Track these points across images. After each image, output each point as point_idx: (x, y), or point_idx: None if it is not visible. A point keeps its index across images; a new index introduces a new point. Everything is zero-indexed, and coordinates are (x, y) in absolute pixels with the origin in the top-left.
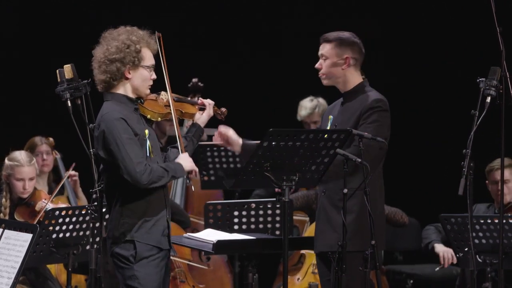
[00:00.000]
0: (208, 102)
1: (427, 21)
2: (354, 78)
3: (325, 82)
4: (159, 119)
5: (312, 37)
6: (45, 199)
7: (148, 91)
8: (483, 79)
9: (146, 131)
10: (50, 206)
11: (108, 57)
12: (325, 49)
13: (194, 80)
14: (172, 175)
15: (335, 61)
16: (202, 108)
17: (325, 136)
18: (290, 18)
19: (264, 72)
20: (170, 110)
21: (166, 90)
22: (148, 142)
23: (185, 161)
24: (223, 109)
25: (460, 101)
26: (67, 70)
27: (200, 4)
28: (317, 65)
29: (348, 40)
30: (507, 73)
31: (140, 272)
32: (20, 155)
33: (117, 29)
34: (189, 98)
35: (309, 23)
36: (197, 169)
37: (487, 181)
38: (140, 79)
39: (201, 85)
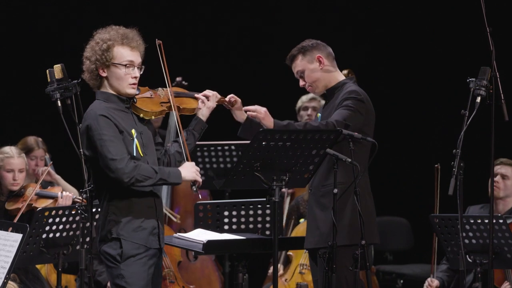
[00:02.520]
0: (207, 94)
1: (416, 21)
2: (335, 75)
3: (316, 92)
4: (153, 117)
5: (313, 37)
6: (33, 187)
7: (131, 90)
8: (473, 79)
9: (133, 131)
10: (39, 190)
11: (84, 55)
12: (297, 66)
13: (178, 79)
14: (163, 178)
15: (311, 67)
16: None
17: (315, 136)
18: (291, 17)
19: (263, 71)
20: (166, 107)
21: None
22: (135, 142)
23: (187, 170)
24: (232, 98)
25: (451, 101)
26: (57, 70)
27: (198, 2)
28: (301, 84)
29: (308, 45)
30: (497, 73)
31: (127, 271)
32: (9, 148)
33: (106, 27)
34: (188, 92)
35: (310, 23)
36: (200, 180)
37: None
38: (114, 77)
39: (185, 83)
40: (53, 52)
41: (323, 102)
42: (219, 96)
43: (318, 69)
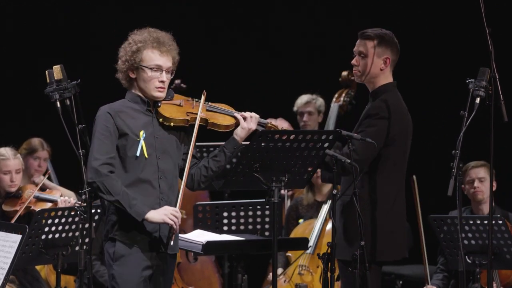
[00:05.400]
0: (249, 115)
1: (416, 22)
2: (384, 79)
3: (358, 79)
4: (172, 124)
5: (315, 37)
6: (32, 190)
7: (157, 93)
8: (473, 80)
9: (142, 132)
10: (38, 193)
11: (118, 55)
12: (365, 46)
13: (177, 81)
14: (121, 203)
15: (374, 61)
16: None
17: (314, 137)
18: (291, 18)
19: (264, 71)
20: (190, 118)
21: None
22: (141, 143)
23: (157, 212)
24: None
25: (450, 102)
26: (56, 71)
27: (199, 2)
28: (353, 62)
29: (389, 39)
30: (496, 74)
31: (117, 270)
32: (5, 150)
33: (143, 29)
34: (228, 109)
35: (309, 23)
36: (171, 223)
37: (462, 185)
38: (141, 79)
39: (184, 86)
40: (53, 52)
41: (318, 103)
42: (259, 118)
43: (379, 67)
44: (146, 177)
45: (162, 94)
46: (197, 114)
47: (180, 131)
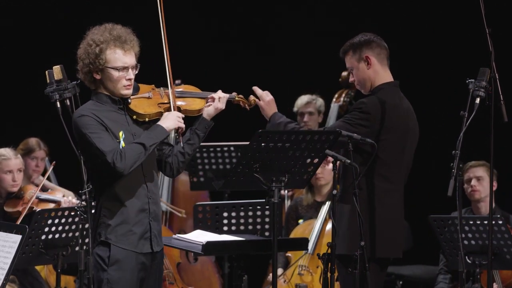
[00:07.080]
0: (222, 96)
1: (416, 22)
2: (380, 78)
3: (363, 90)
4: (147, 119)
5: (315, 36)
6: (34, 190)
7: (126, 91)
8: (473, 80)
9: (121, 133)
10: (40, 193)
11: (78, 54)
12: (347, 62)
13: (177, 81)
14: (151, 144)
15: (359, 66)
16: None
17: (314, 137)
18: (291, 18)
19: (264, 70)
20: (163, 109)
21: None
22: (121, 144)
23: (169, 120)
24: (251, 99)
25: (450, 102)
26: (56, 71)
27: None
28: (350, 80)
29: (360, 41)
30: (496, 74)
31: (113, 276)
32: (5, 150)
33: (99, 26)
34: (196, 91)
35: (309, 23)
36: (183, 126)
37: (465, 185)
38: (108, 80)
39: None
40: (53, 52)
41: (319, 103)
42: (227, 95)
43: (365, 69)
44: (132, 178)
45: (130, 91)
46: (168, 103)
47: (152, 124)
